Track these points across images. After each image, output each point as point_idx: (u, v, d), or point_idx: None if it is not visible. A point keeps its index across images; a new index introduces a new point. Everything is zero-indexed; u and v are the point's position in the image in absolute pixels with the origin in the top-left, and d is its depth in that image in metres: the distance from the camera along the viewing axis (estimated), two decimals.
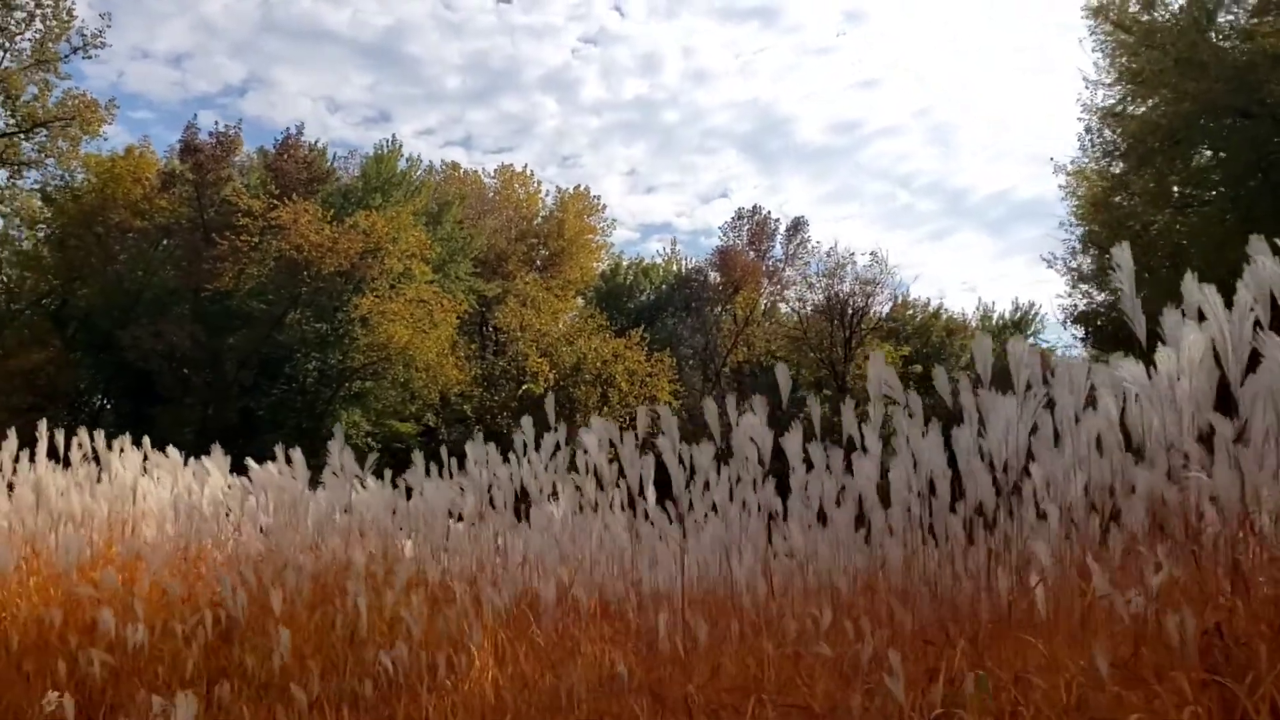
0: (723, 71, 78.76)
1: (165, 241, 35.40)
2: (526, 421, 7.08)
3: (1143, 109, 20.24)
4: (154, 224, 34.90)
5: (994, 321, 52.79)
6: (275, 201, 32.58)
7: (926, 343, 43.32)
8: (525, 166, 59.43)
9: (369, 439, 34.29)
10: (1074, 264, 31.22)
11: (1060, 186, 30.51)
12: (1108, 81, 22.32)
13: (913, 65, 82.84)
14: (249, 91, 72.74)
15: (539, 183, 50.81)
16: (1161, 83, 18.25)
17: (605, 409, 36.00)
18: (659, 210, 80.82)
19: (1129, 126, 19.75)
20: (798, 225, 46.52)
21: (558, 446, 6.88)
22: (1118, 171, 20.75)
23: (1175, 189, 19.62)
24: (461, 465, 7.77)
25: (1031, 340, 51.93)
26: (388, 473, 7.96)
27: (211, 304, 34.33)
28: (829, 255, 31.98)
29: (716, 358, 42.92)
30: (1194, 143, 19.03)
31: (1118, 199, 20.31)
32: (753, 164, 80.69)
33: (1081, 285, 32.61)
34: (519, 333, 37.59)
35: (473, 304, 38.81)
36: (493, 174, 49.76)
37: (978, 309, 54.08)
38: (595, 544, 6.48)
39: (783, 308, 47.98)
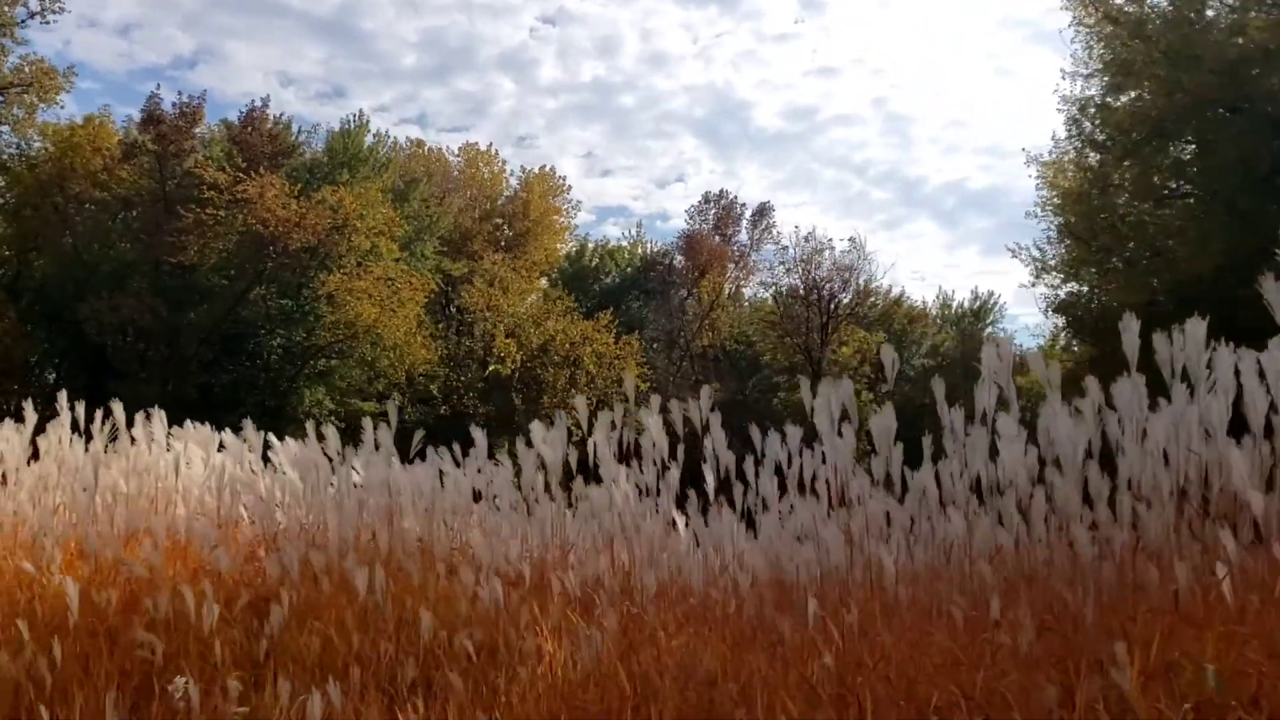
0: (680, 55, 78.67)
1: (124, 214, 34.52)
2: (580, 401, 6.93)
3: (1124, 100, 20.38)
4: (114, 195, 34.03)
5: (953, 310, 53.36)
6: (241, 175, 31.90)
7: (889, 330, 43.61)
8: (490, 145, 59.03)
9: (332, 418, 33.82)
10: (1039, 254, 31.62)
11: (1033, 178, 30.82)
12: (1086, 73, 22.48)
13: (870, 54, 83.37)
14: (199, 64, 71.42)
15: (503, 162, 50.47)
16: (1150, 74, 18.39)
17: (573, 391, 35.81)
18: (615, 193, 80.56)
19: (1112, 118, 19.87)
20: (763, 211, 46.65)
21: (613, 425, 6.72)
22: (1097, 163, 20.88)
23: (1156, 180, 19.77)
24: (466, 450, 7.64)
25: (989, 329, 52.66)
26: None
27: (172, 278, 33.57)
28: (807, 240, 32.02)
29: (682, 341, 42.89)
30: (1179, 135, 19.19)
31: (1096, 191, 20.44)
32: (709, 149, 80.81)
33: (1046, 276, 33.04)
34: (486, 313, 37.21)
35: (439, 283, 38.36)
36: (456, 152, 49.31)
37: (938, 297, 54.58)
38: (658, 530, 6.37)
39: (746, 292, 48.12)
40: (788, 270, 32.18)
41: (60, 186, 33.44)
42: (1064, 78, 23.51)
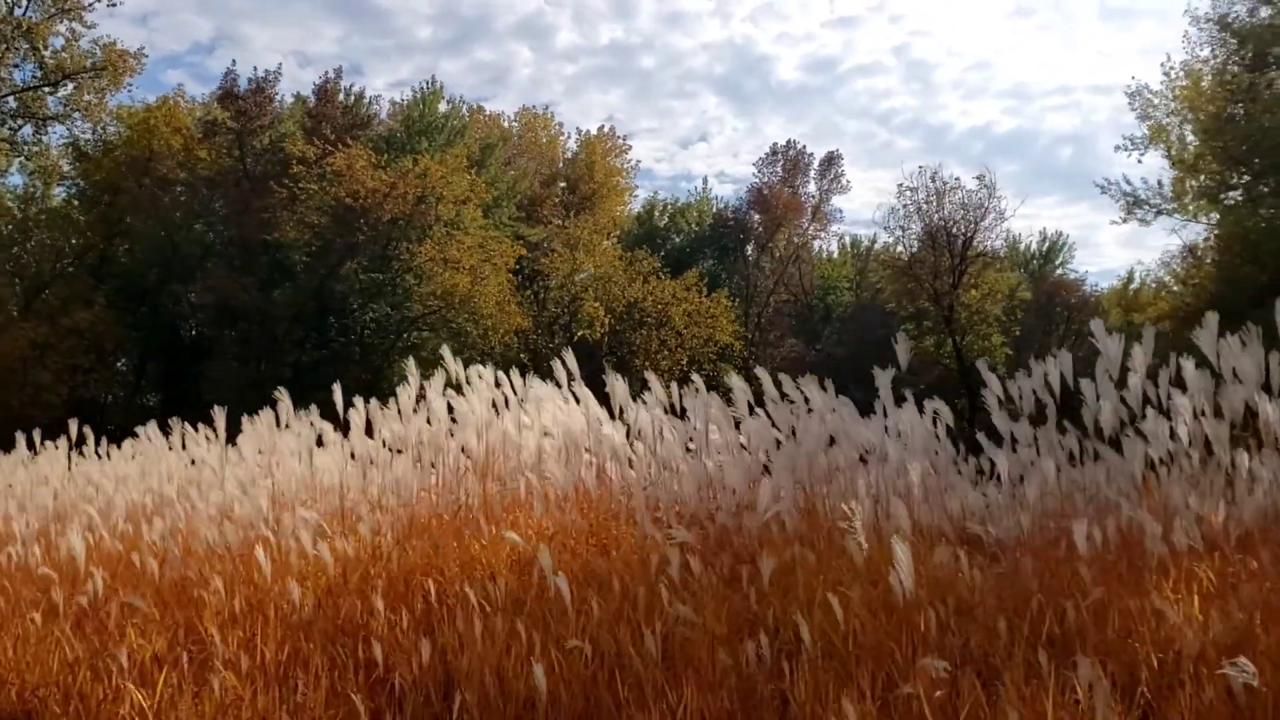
0: (698, 12, 77.63)
1: (208, 193, 34.14)
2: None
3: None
4: (196, 176, 33.72)
5: (1022, 252, 52.39)
6: (330, 148, 31.50)
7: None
8: (546, 109, 58.45)
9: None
10: (1129, 189, 31.03)
11: (1133, 109, 30.18)
12: None
13: (889, 1, 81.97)
14: (217, 49, 71.20)
15: (559, 125, 49.91)
16: None
17: (664, 353, 35.45)
18: (638, 156, 79.77)
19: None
20: (831, 160, 45.80)
21: None
22: (1253, 82, 20.10)
23: None
24: None
25: (1060, 270, 51.77)
26: None
27: (261, 256, 33.29)
28: (933, 180, 31.23)
29: (758, 298, 42.36)
30: None
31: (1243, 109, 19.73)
32: (731, 106, 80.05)
33: (1140, 210, 32.38)
34: (569, 278, 36.72)
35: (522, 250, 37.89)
36: (513, 118, 48.74)
37: (1005, 240, 53.68)
38: None
39: (817, 244, 47.44)
40: (912, 214, 31.38)
41: (143, 169, 33.11)
42: None
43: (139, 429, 9.97)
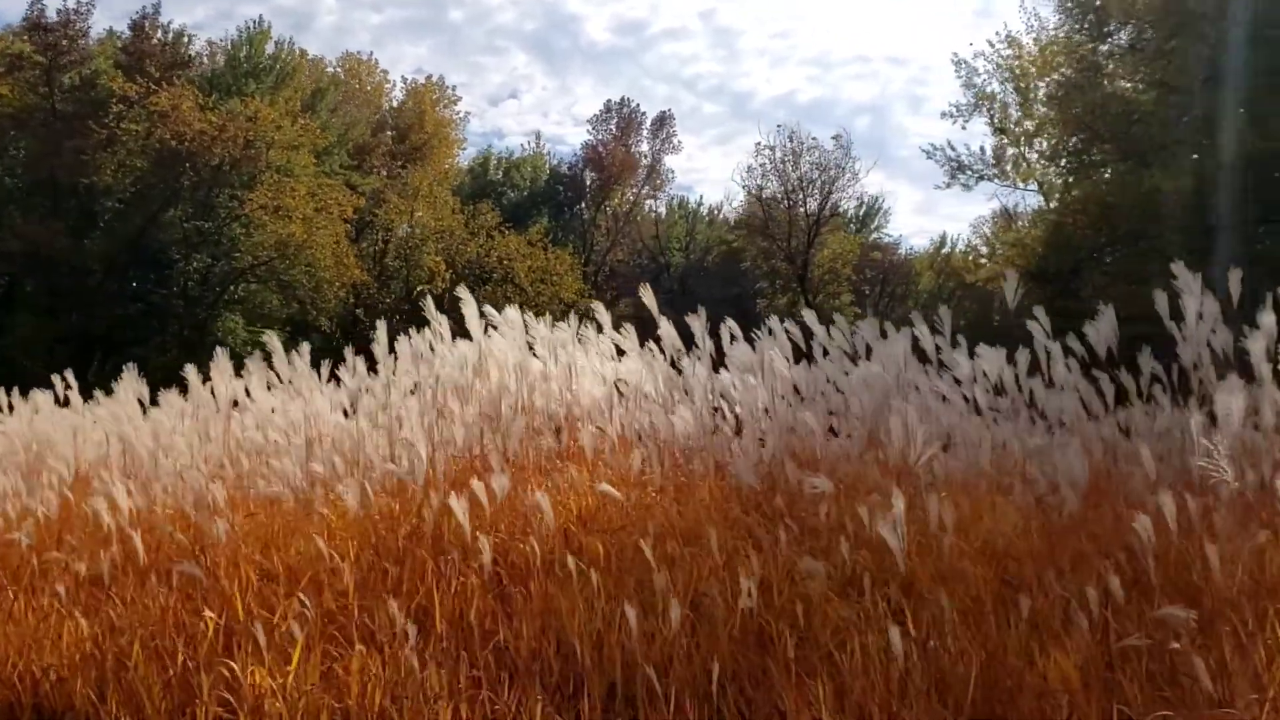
0: None
1: (15, 133, 31.29)
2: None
3: None
4: None
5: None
6: (155, 87, 29.40)
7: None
8: (371, 54, 56.27)
9: (246, 347, 31.91)
10: (953, 154, 32.46)
11: (959, 78, 31.43)
12: None
13: None
14: None
15: (385, 72, 48.14)
16: None
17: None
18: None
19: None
20: (663, 119, 45.91)
21: None
22: (1098, 50, 21.10)
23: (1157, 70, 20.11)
24: None
25: (876, 234, 53.65)
26: None
27: (72, 200, 30.86)
28: (790, 140, 31.57)
29: (595, 255, 42.23)
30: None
31: (1091, 81, 20.75)
32: (541, 64, 79.34)
33: (963, 175, 33.91)
34: (409, 229, 35.65)
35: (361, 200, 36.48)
36: (335, 63, 46.69)
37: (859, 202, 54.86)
38: None
39: (648, 204, 47.54)
40: (765, 173, 31.73)
41: None
42: None
43: None
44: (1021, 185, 32.67)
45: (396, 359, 7.32)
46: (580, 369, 7.13)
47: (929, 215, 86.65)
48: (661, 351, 7.07)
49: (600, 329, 7.46)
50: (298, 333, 34.29)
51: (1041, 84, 23.69)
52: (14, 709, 4.81)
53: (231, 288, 32.60)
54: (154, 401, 8.21)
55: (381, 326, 7.48)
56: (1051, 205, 27.30)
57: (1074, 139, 21.66)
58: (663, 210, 51.97)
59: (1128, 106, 19.40)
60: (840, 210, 33.47)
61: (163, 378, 9.04)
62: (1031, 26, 26.20)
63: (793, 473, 5.31)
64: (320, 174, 34.53)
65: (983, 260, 36.57)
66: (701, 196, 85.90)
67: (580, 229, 43.56)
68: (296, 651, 4.02)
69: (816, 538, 4.79)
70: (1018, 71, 25.94)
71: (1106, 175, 21.10)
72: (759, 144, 33.17)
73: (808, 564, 4.20)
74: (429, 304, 7.33)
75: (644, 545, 4.25)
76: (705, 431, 6.40)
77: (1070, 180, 23.35)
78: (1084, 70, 20.49)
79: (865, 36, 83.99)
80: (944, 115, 32.31)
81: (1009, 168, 33.34)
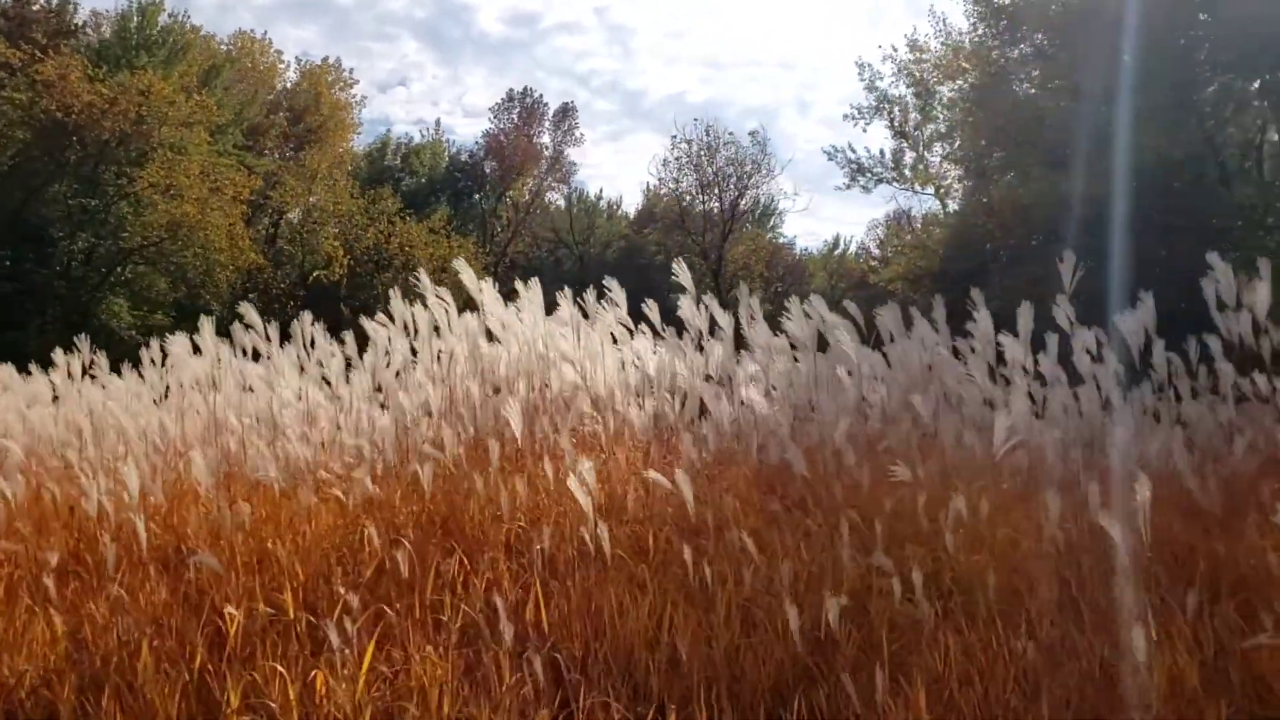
0: None
1: None
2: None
3: None
4: None
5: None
6: (41, 54, 27.83)
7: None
8: (264, 34, 54.52)
9: (133, 332, 30.52)
10: (853, 157, 33.05)
11: (862, 80, 31.91)
12: None
13: None
14: None
15: (278, 52, 46.62)
16: None
17: (409, 300, 34.08)
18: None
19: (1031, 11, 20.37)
20: (566, 111, 45.59)
21: None
22: (1008, 56, 21.47)
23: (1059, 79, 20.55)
24: None
25: (771, 235, 54.30)
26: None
27: None
28: (707, 134, 31.39)
29: (495, 246, 41.63)
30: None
31: (1004, 87, 21.15)
32: (432, 53, 78.37)
33: (862, 178, 34.58)
34: (308, 213, 34.57)
35: (259, 180, 35.16)
36: (226, 41, 45.02)
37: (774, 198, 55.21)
38: None
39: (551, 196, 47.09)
40: (682, 166, 31.50)
41: None
42: None
43: None
44: (919, 189, 33.41)
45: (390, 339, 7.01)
46: (597, 352, 6.92)
47: (814, 218, 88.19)
48: (679, 335, 6.93)
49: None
50: (185, 318, 32.98)
51: (945, 88, 24.12)
52: None
53: (118, 269, 31.09)
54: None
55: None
56: (949, 208, 27.81)
57: (983, 142, 22.04)
58: (563, 203, 51.79)
59: (1039, 111, 19.81)
60: (759, 205, 33.65)
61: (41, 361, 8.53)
62: (939, 30, 26.69)
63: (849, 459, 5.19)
64: (214, 153, 33.23)
65: (874, 263, 37.28)
66: (601, 190, 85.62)
67: (480, 218, 42.90)
68: (368, 653, 3.65)
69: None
70: (918, 76, 26.39)
71: (1010, 178, 21.56)
72: (675, 136, 33.21)
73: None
74: (424, 279, 7.05)
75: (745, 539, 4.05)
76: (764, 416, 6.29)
77: (974, 184, 23.79)
78: (993, 75, 20.89)
79: (758, 40, 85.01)
80: (846, 117, 32.87)
81: (907, 171, 34.10)
